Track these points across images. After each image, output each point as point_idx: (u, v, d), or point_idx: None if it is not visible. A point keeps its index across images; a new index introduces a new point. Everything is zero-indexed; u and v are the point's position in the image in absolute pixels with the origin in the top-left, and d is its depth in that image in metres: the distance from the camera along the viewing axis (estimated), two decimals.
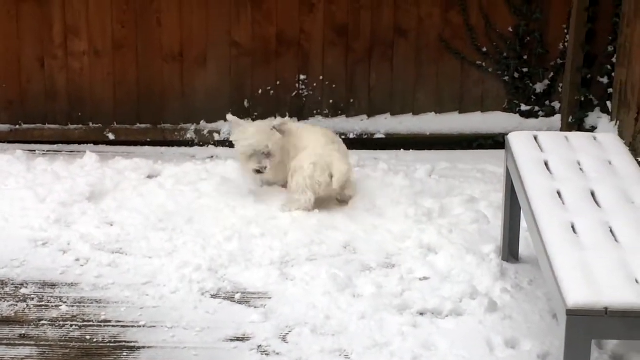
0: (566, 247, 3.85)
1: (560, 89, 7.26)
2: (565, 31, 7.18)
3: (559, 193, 4.39)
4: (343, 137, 7.20)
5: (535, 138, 5.11)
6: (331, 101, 7.33)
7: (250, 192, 6.15)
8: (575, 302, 3.47)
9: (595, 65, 7.12)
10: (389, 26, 7.22)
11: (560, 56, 7.23)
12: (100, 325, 4.66)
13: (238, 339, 4.54)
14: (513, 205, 5.15)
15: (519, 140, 5.07)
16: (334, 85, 7.31)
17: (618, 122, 6.76)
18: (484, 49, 7.24)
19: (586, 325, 3.46)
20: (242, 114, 7.29)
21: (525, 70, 7.25)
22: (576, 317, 3.46)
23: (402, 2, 7.16)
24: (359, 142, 7.20)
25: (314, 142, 6.06)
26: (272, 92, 7.30)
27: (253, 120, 7.02)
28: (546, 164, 4.75)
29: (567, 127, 7.08)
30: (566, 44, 7.17)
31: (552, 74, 7.27)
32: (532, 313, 4.71)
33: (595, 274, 3.62)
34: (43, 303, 4.87)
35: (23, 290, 4.99)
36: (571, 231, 4.01)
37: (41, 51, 7.21)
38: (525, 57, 7.24)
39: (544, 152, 4.92)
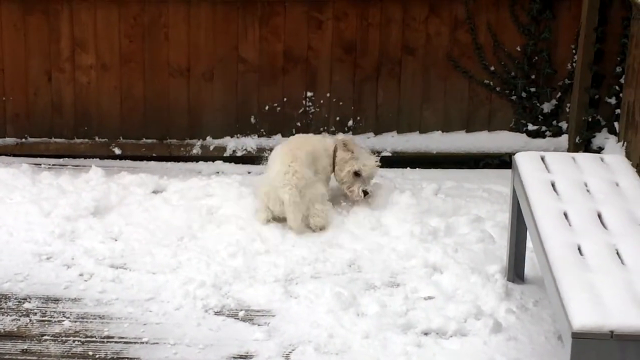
0: (572, 269, 3.82)
1: (567, 109, 7.25)
2: (574, 51, 7.16)
3: (565, 214, 4.37)
4: None
5: (542, 158, 5.09)
6: (338, 118, 7.31)
7: (256, 209, 6.12)
8: (581, 324, 3.44)
9: (603, 85, 7.11)
10: (397, 44, 7.21)
11: (568, 76, 7.22)
12: (103, 341, 4.64)
13: (241, 357, 4.52)
14: (519, 226, 5.13)
15: (526, 161, 5.05)
16: (341, 103, 7.29)
17: (625, 143, 6.72)
18: (492, 68, 7.23)
19: (591, 348, 3.44)
20: (249, 130, 7.29)
21: (532, 89, 7.23)
22: (582, 340, 3.44)
23: (411, 20, 7.15)
24: None
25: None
26: (278, 108, 7.29)
27: (259, 136, 7.12)
28: (553, 185, 4.72)
29: (574, 147, 7.05)
30: (574, 64, 7.16)
31: (559, 93, 7.26)
32: (538, 334, 4.69)
33: (601, 297, 3.59)
34: (46, 318, 4.86)
35: (26, 305, 4.97)
36: (577, 253, 3.99)
37: (48, 64, 7.20)
38: (533, 77, 7.22)
39: (550, 172, 4.89)
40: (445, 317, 4.81)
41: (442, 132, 7.35)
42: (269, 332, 4.71)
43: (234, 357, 4.51)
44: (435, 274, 5.34)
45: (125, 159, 7.29)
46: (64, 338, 4.66)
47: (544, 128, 7.29)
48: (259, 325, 4.81)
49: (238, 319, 4.88)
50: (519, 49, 7.20)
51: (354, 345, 4.58)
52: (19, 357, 4.47)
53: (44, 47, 7.17)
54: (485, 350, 4.52)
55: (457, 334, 4.69)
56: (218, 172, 6.98)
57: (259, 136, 7.31)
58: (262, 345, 4.60)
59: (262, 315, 4.92)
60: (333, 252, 5.61)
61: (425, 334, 4.70)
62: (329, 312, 4.88)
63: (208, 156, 7.29)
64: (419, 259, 5.50)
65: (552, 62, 7.22)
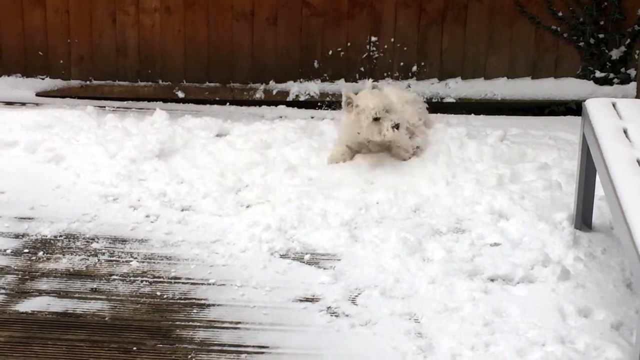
0: None
1: (636, 56, 7.12)
2: None
3: (638, 161, 4.29)
4: None
5: (614, 105, 5.00)
6: (402, 63, 7.25)
7: (321, 151, 6.11)
8: None
9: None
10: None
11: (637, 22, 7.09)
12: (171, 282, 4.67)
13: (307, 300, 4.52)
14: (588, 173, 5.05)
15: (597, 107, 4.96)
16: (405, 48, 7.23)
17: None
18: (560, 14, 7.11)
19: None
20: (312, 74, 7.27)
21: (601, 36, 7.11)
22: None
23: None
24: (429, 106, 7.11)
25: None
26: (342, 53, 7.25)
27: (322, 81, 7.06)
28: (625, 132, 4.64)
29: None
30: None
31: (628, 40, 7.13)
32: (606, 282, 4.62)
33: None
34: (114, 258, 4.90)
35: (94, 245, 5.02)
36: None
37: (113, 7, 7.22)
38: (602, 23, 7.10)
39: (622, 119, 4.81)
40: (511, 263, 4.77)
41: (507, 78, 7.28)
42: (335, 276, 4.70)
43: (301, 300, 4.52)
44: (501, 221, 5.30)
45: (188, 103, 7.32)
46: (132, 278, 4.70)
47: (611, 75, 7.18)
48: (324, 268, 4.81)
49: (304, 262, 4.88)
50: None
51: (420, 290, 4.56)
52: (88, 296, 4.51)
53: None
54: (552, 298, 4.48)
55: (524, 280, 4.65)
56: (281, 117, 6.97)
57: (322, 81, 7.29)
58: (328, 289, 4.60)
59: (328, 259, 4.92)
60: (398, 197, 5.59)
61: (492, 280, 4.66)
62: (394, 257, 4.86)
63: (271, 100, 7.28)
64: (485, 205, 5.46)
65: (621, 7, 7.09)
